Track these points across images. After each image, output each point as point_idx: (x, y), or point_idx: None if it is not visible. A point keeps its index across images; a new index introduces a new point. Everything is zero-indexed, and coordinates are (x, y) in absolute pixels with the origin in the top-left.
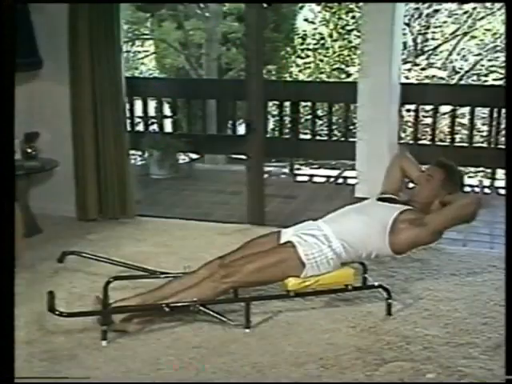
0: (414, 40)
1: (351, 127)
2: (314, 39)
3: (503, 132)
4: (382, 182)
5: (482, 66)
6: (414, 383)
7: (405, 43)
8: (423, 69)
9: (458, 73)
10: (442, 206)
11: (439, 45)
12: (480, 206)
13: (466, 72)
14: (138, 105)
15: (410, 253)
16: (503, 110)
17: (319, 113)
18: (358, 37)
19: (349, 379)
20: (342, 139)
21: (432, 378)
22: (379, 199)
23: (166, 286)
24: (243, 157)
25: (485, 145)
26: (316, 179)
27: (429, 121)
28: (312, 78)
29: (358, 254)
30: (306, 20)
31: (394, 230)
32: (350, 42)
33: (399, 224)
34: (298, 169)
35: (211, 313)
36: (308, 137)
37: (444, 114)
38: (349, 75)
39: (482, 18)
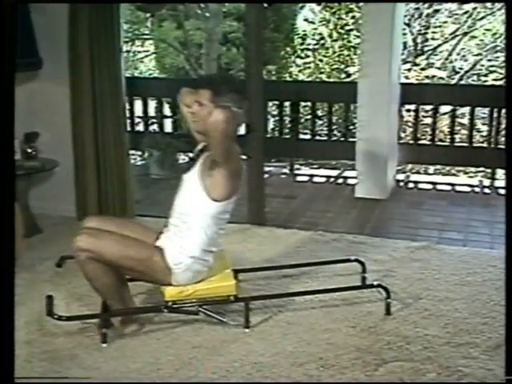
0: (414, 40)
1: (351, 127)
2: (313, 39)
3: (503, 132)
4: None
5: (482, 66)
6: (413, 383)
7: (405, 43)
8: (423, 69)
9: (457, 73)
10: None
11: (439, 45)
12: (229, 118)
13: (466, 72)
14: (138, 105)
15: (410, 253)
16: (503, 110)
17: (319, 113)
18: (358, 37)
19: (349, 379)
20: (342, 139)
21: None
22: (191, 160)
23: None
24: (243, 157)
25: (485, 145)
26: (316, 179)
27: (429, 121)
28: (312, 78)
29: (210, 236)
30: (306, 20)
31: (208, 189)
32: (349, 41)
33: (207, 181)
34: (298, 169)
35: (211, 313)
36: (308, 137)
37: (444, 113)
38: (349, 75)
39: (482, 18)
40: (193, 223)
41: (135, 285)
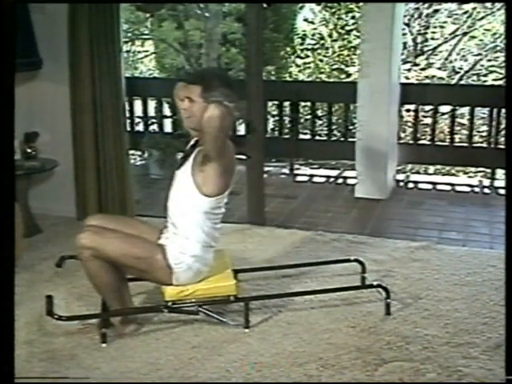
0: (414, 40)
1: (351, 127)
2: (313, 39)
3: (503, 132)
4: None
5: (482, 66)
6: (413, 383)
7: (405, 43)
8: (423, 69)
9: (457, 73)
10: None
11: (439, 45)
12: (225, 114)
13: (466, 72)
14: (138, 105)
15: (410, 253)
16: (503, 110)
17: (319, 113)
18: (358, 37)
19: (349, 379)
20: (342, 139)
21: None
22: (183, 157)
23: None
24: (243, 157)
25: (485, 145)
26: (316, 179)
27: (428, 121)
28: (312, 78)
29: (207, 232)
30: (305, 20)
31: (199, 185)
32: (349, 42)
33: (199, 177)
34: (298, 169)
35: (211, 313)
36: (308, 137)
37: (444, 114)
38: (349, 75)
39: (482, 18)
40: (188, 220)
41: (135, 285)
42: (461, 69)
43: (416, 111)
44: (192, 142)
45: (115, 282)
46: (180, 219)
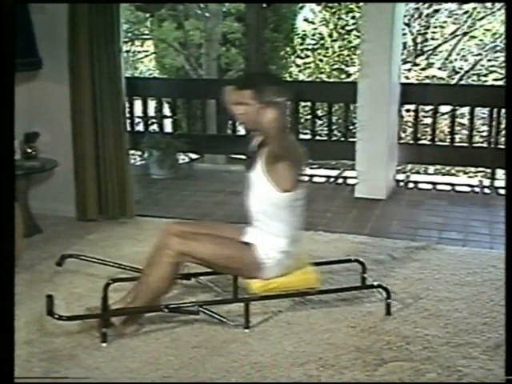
0: (414, 40)
1: (351, 127)
2: (313, 39)
3: (503, 132)
4: None
5: (482, 66)
6: (413, 383)
7: (405, 43)
8: (423, 69)
9: (457, 73)
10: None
11: (439, 45)
12: (279, 114)
13: (466, 72)
14: (138, 105)
15: (410, 253)
16: (503, 110)
17: (319, 113)
18: (358, 37)
19: (348, 379)
20: (342, 139)
21: None
22: (251, 158)
23: (143, 274)
24: (243, 157)
25: (485, 145)
26: (316, 179)
27: (429, 121)
28: (312, 78)
29: (293, 226)
30: (305, 20)
31: (277, 183)
32: (349, 42)
33: (273, 175)
34: None
35: (211, 313)
36: (308, 137)
37: (444, 114)
38: (349, 75)
39: (482, 18)
40: (273, 218)
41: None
42: (461, 69)
43: (416, 111)
44: (256, 142)
45: (166, 293)
46: (265, 218)
